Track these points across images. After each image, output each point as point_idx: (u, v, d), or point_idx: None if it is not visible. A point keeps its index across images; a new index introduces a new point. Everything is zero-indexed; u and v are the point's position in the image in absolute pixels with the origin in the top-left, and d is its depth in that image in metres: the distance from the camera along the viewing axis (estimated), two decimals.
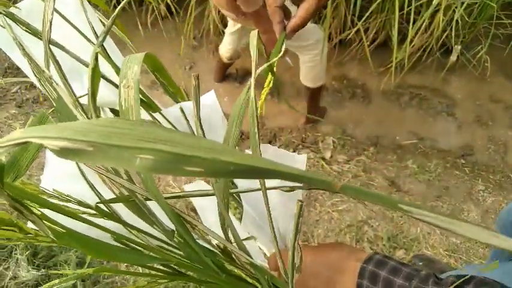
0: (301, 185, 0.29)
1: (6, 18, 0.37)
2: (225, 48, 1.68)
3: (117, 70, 0.42)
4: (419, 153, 1.74)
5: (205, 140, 0.17)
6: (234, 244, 0.36)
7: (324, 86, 1.66)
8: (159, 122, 0.47)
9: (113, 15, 0.34)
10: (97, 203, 0.36)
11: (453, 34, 1.68)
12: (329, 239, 1.41)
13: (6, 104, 1.87)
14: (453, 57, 1.87)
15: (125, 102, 0.26)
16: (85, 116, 0.32)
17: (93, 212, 0.40)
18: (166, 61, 2.05)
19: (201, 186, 0.55)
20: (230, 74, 1.97)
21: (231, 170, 0.15)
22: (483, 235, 0.16)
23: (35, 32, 0.38)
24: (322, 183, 0.17)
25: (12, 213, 1.12)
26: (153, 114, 0.46)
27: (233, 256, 0.41)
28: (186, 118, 0.46)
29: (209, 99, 0.49)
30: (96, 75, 0.30)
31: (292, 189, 0.32)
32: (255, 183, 0.38)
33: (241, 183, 0.46)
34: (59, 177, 0.43)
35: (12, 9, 0.39)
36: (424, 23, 1.63)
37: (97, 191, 0.43)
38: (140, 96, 0.26)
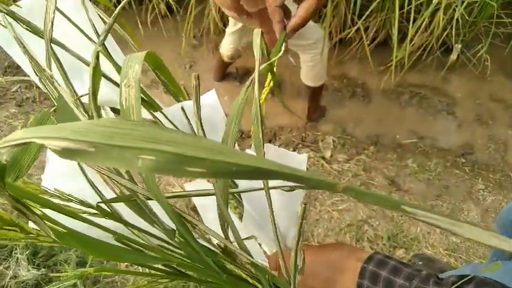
0: (302, 185, 0.28)
1: (7, 17, 0.37)
2: (226, 48, 1.67)
3: (118, 69, 0.42)
4: (419, 152, 1.73)
5: (207, 141, 0.17)
6: (235, 244, 0.36)
7: (324, 85, 1.66)
8: (160, 121, 0.46)
9: (114, 14, 0.34)
10: (98, 202, 0.36)
11: (453, 33, 1.68)
12: (329, 238, 1.41)
13: (6, 103, 1.87)
14: (453, 56, 1.87)
15: (126, 102, 0.26)
16: (86, 116, 0.32)
17: (94, 211, 0.40)
18: (166, 60, 2.04)
19: (202, 185, 0.55)
20: (230, 73, 1.97)
21: (233, 171, 0.15)
22: (484, 236, 0.16)
23: (35, 30, 0.38)
24: (326, 185, 0.17)
25: (12, 212, 1.12)
26: (154, 113, 0.46)
27: (234, 256, 0.41)
28: (187, 117, 0.46)
29: (210, 98, 0.49)
30: (97, 75, 0.30)
31: (292, 188, 0.32)
32: (256, 182, 0.38)
33: (242, 182, 0.46)
34: (60, 176, 0.43)
35: (12, 7, 0.39)
36: (424, 22, 1.63)
37: (98, 190, 0.42)
38: (141, 95, 0.26)
